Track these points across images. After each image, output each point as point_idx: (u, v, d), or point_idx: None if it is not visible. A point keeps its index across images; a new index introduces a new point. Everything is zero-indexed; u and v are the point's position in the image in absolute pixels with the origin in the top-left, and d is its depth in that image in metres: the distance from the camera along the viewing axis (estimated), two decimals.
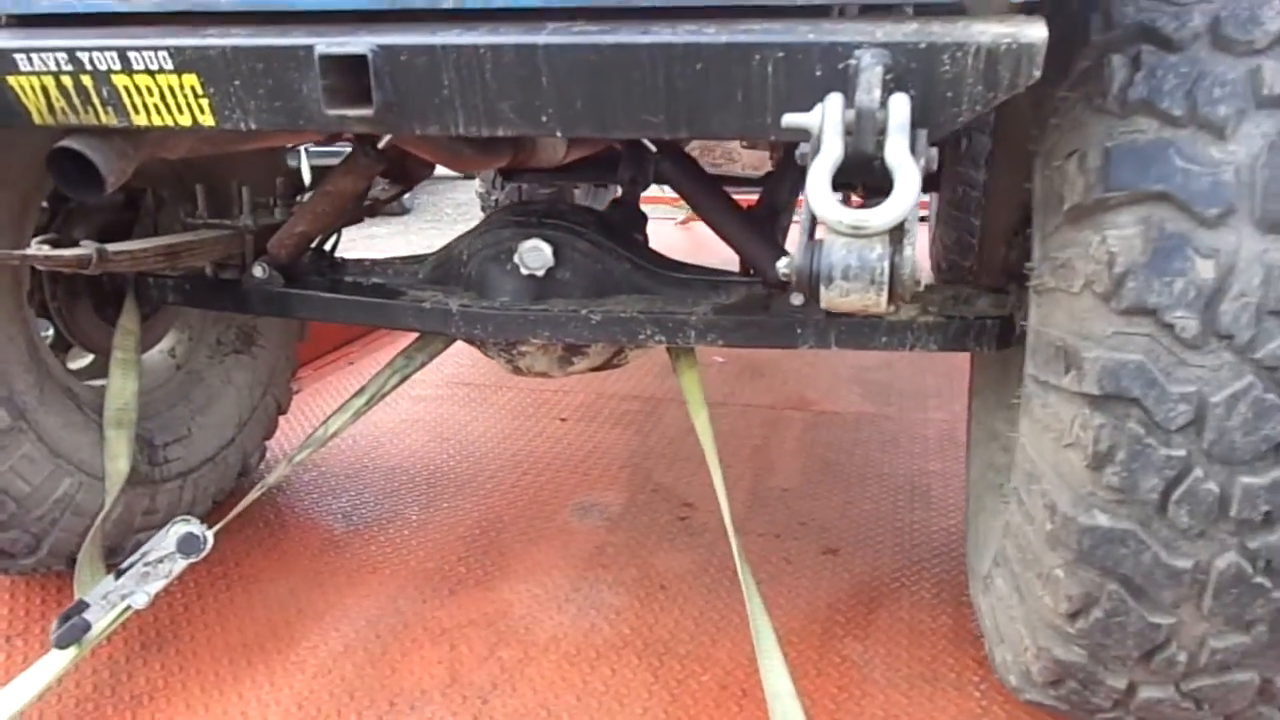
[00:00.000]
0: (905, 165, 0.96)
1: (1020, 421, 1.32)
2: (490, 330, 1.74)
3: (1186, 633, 1.16)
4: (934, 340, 1.63)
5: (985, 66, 1.02)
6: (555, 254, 1.72)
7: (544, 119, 1.17)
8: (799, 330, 1.66)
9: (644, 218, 2.11)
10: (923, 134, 1.03)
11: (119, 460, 1.90)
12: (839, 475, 2.55)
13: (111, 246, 1.66)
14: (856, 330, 1.63)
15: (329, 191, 1.85)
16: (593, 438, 2.81)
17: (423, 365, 1.96)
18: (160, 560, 1.72)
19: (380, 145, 1.82)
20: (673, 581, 2.04)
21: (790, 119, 1.02)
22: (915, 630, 1.86)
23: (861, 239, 0.98)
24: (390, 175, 2.33)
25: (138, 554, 1.69)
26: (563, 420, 2.95)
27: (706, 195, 1.90)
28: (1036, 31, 1.01)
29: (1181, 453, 1.07)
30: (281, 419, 2.54)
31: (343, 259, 1.99)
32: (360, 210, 2.15)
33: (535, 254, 1.72)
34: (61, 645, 1.60)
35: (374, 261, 2.00)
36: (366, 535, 2.26)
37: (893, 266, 0.98)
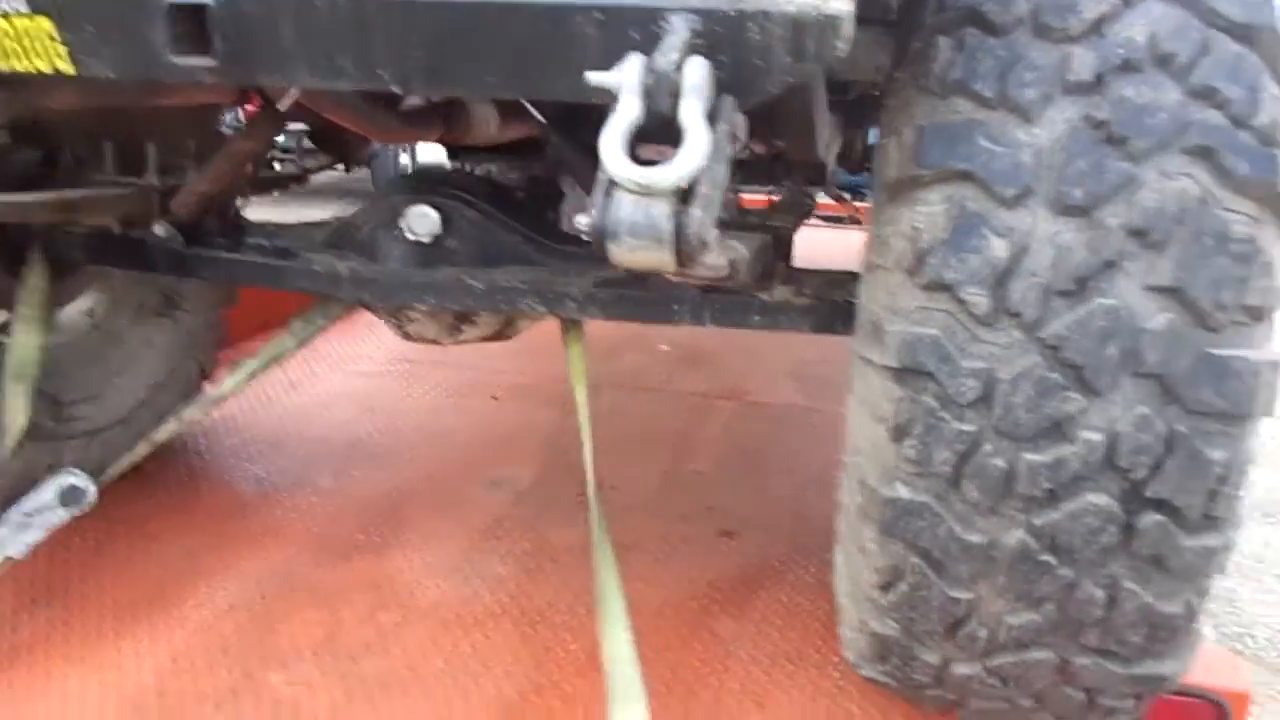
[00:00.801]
0: (695, 127, 0.98)
1: (848, 398, 1.33)
2: (377, 295, 1.76)
3: (985, 608, 1.18)
4: (806, 322, 1.64)
5: (792, 36, 1.03)
6: (444, 222, 1.74)
7: (381, 73, 1.19)
8: (675, 306, 1.68)
9: (560, 194, 2.13)
10: (727, 100, 1.04)
11: (17, 415, 1.92)
12: (754, 463, 2.56)
13: None
14: (730, 309, 1.64)
15: (229, 152, 1.87)
16: (521, 416, 2.83)
17: (321, 329, 1.98)
18: (39, 511, 1.74)
19: (282, 106, 1.84)
20: (563, 555, 2.06)
21: (593, 77, 1.03)
22: (791, 612, 1.88)
23: (648, 196, 0.99)
24: (323, 145, 2.34)
25: (15, 505, 1.72)
26: (495, 399, 2.97)
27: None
28: (842, 4, 1.02)
29: (972, 428, 1.08)
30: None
31: (247, 221, 2.01)
32: (277, 178, 2.17)
33: (422, 220, 1.73)
34: None
35: (278, 225, 2.02)
36: (274, 500, 2.28)
37: (679, 226, 0.99)
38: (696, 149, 0.97)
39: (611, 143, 0.99)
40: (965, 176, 1.07)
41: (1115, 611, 1.13)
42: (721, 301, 1.65)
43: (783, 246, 1.73)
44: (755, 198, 3.86)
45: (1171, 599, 1.12)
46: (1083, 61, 1.06)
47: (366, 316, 1.97)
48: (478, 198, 1.79)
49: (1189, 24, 1.06)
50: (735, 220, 1.75)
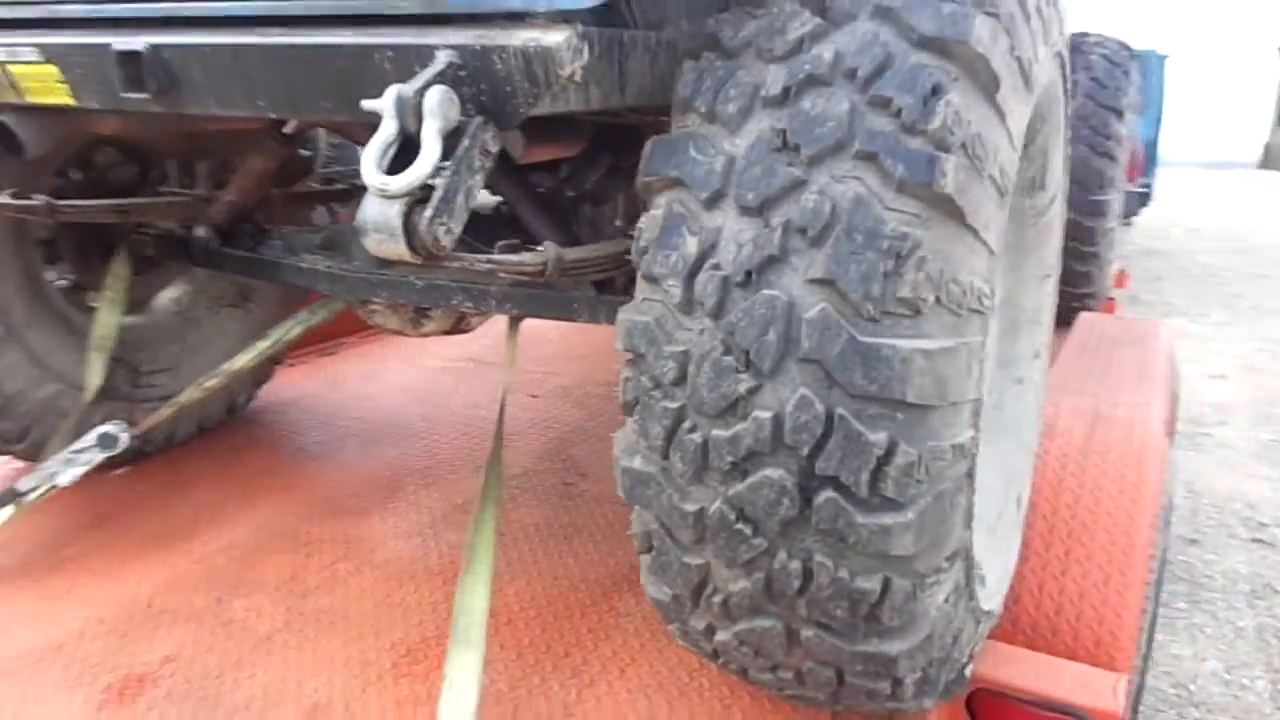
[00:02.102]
0: (428, 143, 1.19)
1: None
2: (343, 289, 2.06)
3: (716, 575, 1.30)
4: None
5: (525, 66, 1.23)
6: None
7: (259, 102, 1.48)
8: (575, 305, 1.88)
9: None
10: (476, 121, 1.25)
11: (94, 378, 2.38)
12: None
13: (63, 201, 2.12)
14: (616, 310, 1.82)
15: (247, 170, 2.25)
16: (548, 414, 3.09)
17: (325, 320, 2.32)
18: (83, 451, 2.17)
19: (286, 130, 2.20)
20: (519, 531, 2.28)
21: (366, 104, 1.27)
22: None
23: (387, 199, 1.21)
24: None
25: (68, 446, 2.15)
26: (534, 397, 3.24)
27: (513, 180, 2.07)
28: (557, 36, 1.21)
29: (674, 405, 1.22)
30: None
31: (269, 228, 2.39)
32: (301, 198, 2.55)
33: None
34: (1, 503, 2.08)
35: (293, 230, 2.38)
36: (299, 465, 2.65)
37: (408, 224, 1.21)
38: (426, 160, 1.19)
39: (367, 155, 1.21)
40: (677, 183, 1.23)
41: (813, 584, 1.22)
42: (610, 303, 1.83)
43: None
44: None
45: (865, 575, 1.20)
46: (775, 78, 1.19)
47: None
48: None
49: (879, 40, 1.17)
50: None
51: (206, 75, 1.49)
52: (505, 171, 2.15)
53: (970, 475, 1.29)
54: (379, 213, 1.21)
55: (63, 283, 2.50)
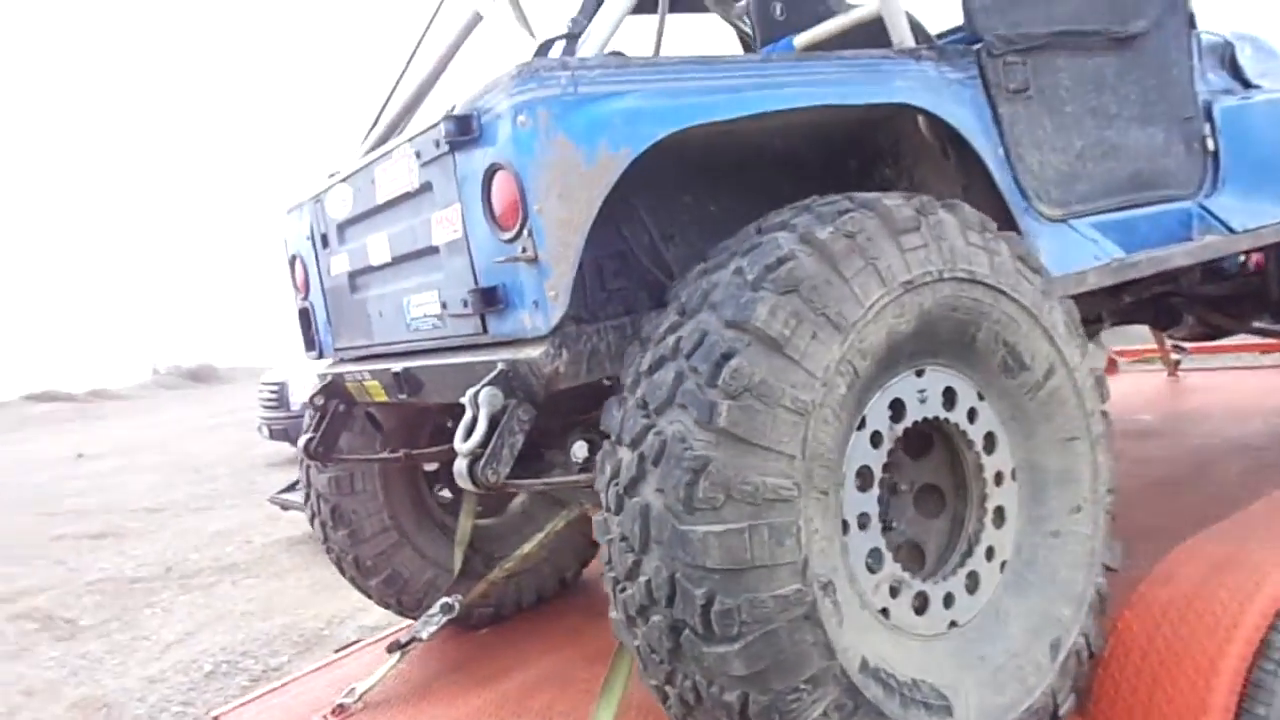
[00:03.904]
0: (478, 426, 2.04)
1: None
2: (587, 498, 2.95)
3: (658, 690, 1.87)
4: None
5: (529, 371, 2.05)
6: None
7: (445, 395, 2.46)
8: None
9: None
10: (513, 403, 2.07)
11: (457, 565, 3.52)
12: None
13: (415, 451, 3.30)
14: None
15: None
16: None
17: (577, 515, 3.22)
18: (433, 616, 3.27)
19: None
20: None
21: (462, 399, 2.15)
22: None
23: (461, 456, 2.06)
24: None
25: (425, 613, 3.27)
26: None
27: None
28: (534, 351, 2.01)
29: (612, 575, 1.87)
30: None
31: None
32: None
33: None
34: (390, 651, 3.24)
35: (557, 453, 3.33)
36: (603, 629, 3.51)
37: (471, 470, 2.03)
38: (475, 436, 2.04)
39: (460, 432, 2.09)
40: (606, 429, 1.92)
41: (705, 697, 1.75)
42: None
43: None
44: None
45: (728, 691, 1.70)
46: (648, 358, 1.86)
47: None
48: None
49: (702, 325, 1.79)
50: None
51: (428, 381, 2.52)
52: None
53: (809, 619, 1.72)
54: (459, 463, 2.08)
55: (442, 497, 3.74)
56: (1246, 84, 3.51)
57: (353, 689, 3.17)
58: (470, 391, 2.09)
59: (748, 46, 3.88)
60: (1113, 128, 2.93)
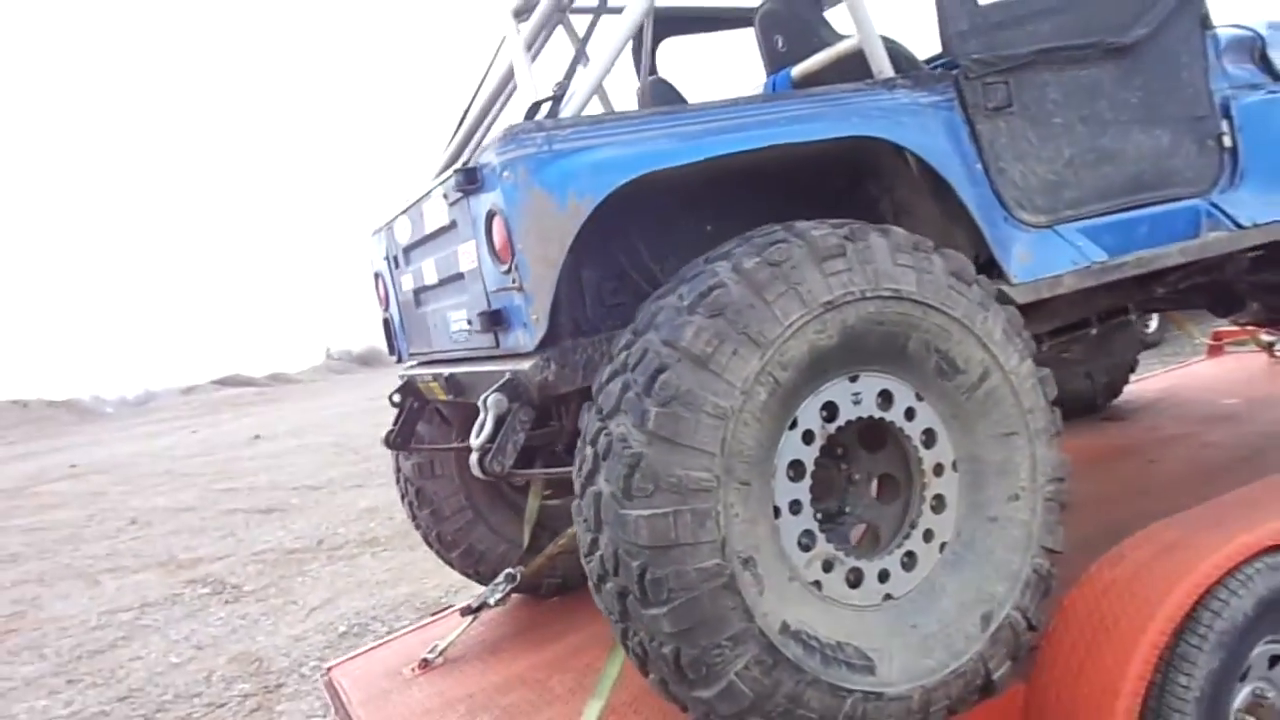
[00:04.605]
0: (487, 423, 2.48)
1: None
2: None
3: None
4: None
5: (526, 381, 2.46)
6: None
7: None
8: None
9: None
10: (516, 405, 2.50)
11: (526, 540, 3.99)
12: None
13: None
14: None
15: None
16: None
17: None
18: (499, 584, 3.75)
19: None
20: None
21: (479, 402, 2.58)
22: None
23: (473, 450, 2.50)
24: None
25: (491, 582, 3.76)
26: None
27: None
28: (528, 363, 2.42)
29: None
30: None
31: None
32: None
33: None
34: (463, 614, 3.75)
35: None
36: None
37: (480, 461, 2.47)
38: (483, 434, 2.47)
39: (475, 428, 2.54)
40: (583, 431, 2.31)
41: (650, 650, 2.13)
42: None
43: None
44: None
45: (664, 645, 2.06)
46: (606, 372, 2.23)
47: None
48: None
49: (646, 344, 2.15)
50: None
51: (466, 384, 2.98)
52: None
53: (728, 589, 2.06)
54: (472, 455, 2.52)
55: (514, 479, 4.22)
56: (1277, 77, 3.52)
57: (435, 646, 3.70)
58: (482, 396, 2.52)
59: None
60: (1109, 134, 3.07)
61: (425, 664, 3.66)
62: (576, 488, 2.26)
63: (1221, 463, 4.08)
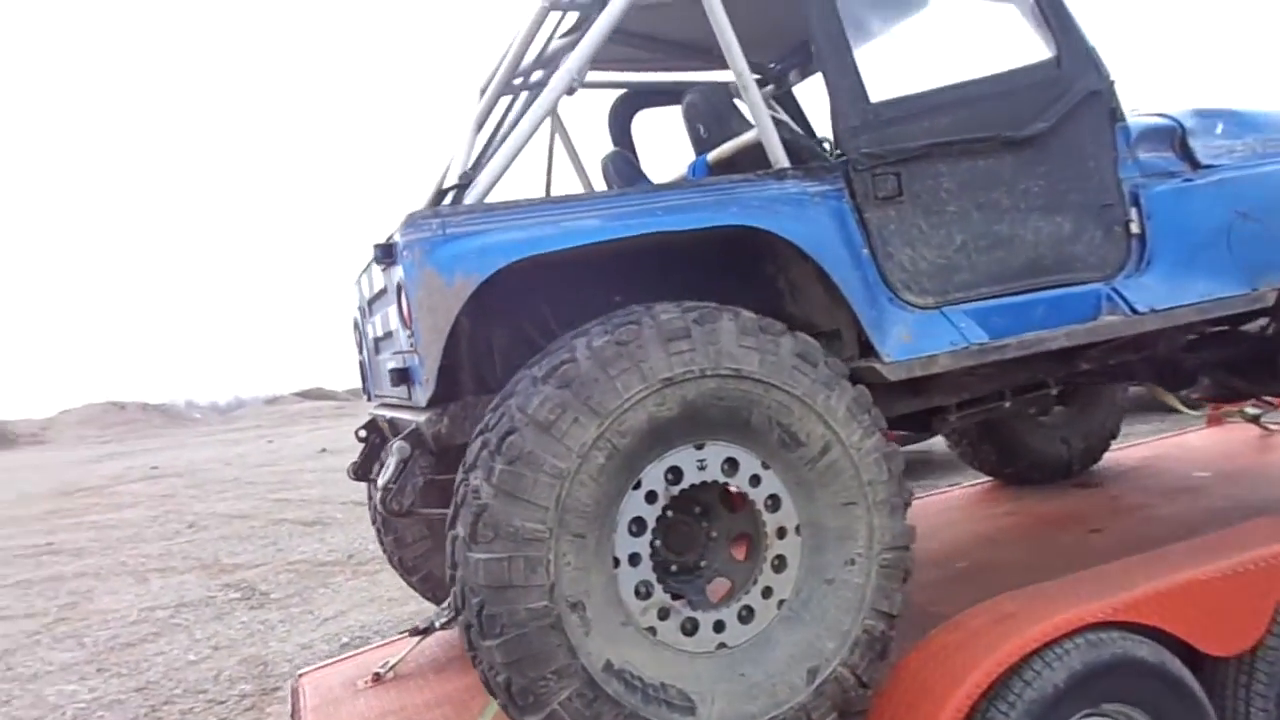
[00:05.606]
0: (387, 467, 2.81)
1: None
2: None
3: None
4: None
5: (424, 431, 2.79)
6: None
7: None
8: None
9: None
10: (416, 453, 2.83)
11: None
12: None
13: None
14: None
15: None
16: None
17: None
18: (444, 609, 4.07)
19: None
20: None
21: (388, 444, 2.92)
22: None
23: (379, 491, 2.83)
24: None
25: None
26: None
27: None
28: (423, 417, 2.75)
29: None
30: None
31: None
32: None
33: None
34: (412, 635, 4.09)
35: None
36: None
37: (382, 499, 2.81)
38: (384, 476, 2.81)
39: (380, 470, 2.88)
40: None
41: (490, 677, 2.42)
42: None
43: None
44: None
45: (499, 675, 2.36)
46: (482, 425, 2.55)
47: None
48: None
49: (506, 411, 2.46)
50: None
51: (400, 426, 3.33)
52: None
53: (555, 628, 2.34)
54: (376, 494, 2.86)
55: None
56: (1196, 165, 3.65)
57: (386, 661, 4.04)
58: (390, 443, 2.86)
59: None
60: (1006, 221, 3.25)
61: (377, 678, 4.00)
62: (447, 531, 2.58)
63: (1158, 537, 4.16)
